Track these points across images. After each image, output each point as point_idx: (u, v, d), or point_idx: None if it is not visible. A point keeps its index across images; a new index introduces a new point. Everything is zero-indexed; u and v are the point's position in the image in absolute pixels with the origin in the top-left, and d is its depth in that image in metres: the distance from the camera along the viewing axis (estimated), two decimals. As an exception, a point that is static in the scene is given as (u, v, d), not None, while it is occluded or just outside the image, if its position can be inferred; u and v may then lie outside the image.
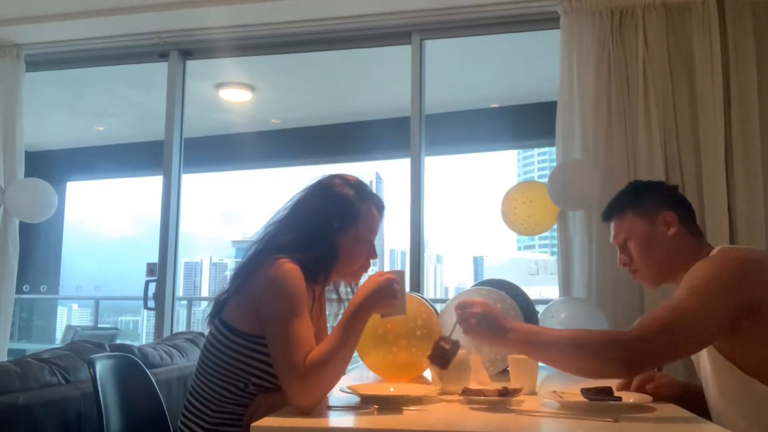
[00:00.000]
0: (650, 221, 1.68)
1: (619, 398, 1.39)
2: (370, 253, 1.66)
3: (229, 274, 1.64)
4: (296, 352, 1.37)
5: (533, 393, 1.58)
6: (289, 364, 1.36)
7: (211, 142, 5.81)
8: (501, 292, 2.05)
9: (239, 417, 1.51)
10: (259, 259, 1.53)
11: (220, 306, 1.57)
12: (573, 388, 1.48)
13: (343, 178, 1.68)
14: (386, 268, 1.65)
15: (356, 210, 1.63)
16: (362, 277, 1.68)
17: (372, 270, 1.66)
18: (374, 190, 1.72)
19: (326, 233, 1.58)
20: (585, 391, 1.41)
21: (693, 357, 1.67)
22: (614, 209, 1.77)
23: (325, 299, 1.75)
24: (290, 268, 1.47)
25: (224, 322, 1.53)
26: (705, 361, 1.56)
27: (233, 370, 1.50)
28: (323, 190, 1.66)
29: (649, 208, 1.69)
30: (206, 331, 1.62)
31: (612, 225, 1.77)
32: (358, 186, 1.67)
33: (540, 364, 1.62)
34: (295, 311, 1.43)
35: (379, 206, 1.70)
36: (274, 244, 1.57)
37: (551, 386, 1.61)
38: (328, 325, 1.78)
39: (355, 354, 1.75)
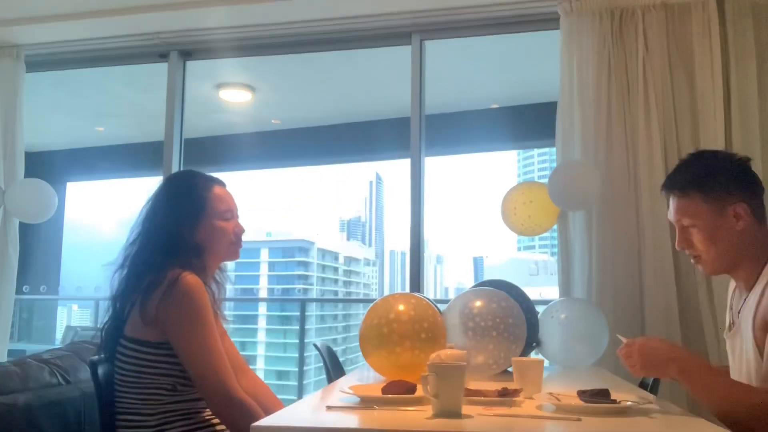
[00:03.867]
0: (719, 211, 1.53)
1: (615, 401, 1.39)
2: (236, 227, 1.74)
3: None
4: (221, 371, 1.49)
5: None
6: (215, 384, 1.48)
7: (211, 143, 5.80)
8: (501, 292, 2.06)
9: (179, 411, 1.56)
10: (138, 281, 1.59)
11: (113, 334, 1.62)
12: (570, 390, 1.48)
13: (173, 177, 1.81)
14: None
15: (199, 198, 1.69)
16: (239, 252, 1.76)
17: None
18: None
19: (182, 234, 1.65)
20: (581, 394, 1.41)
21: (731, 348, 1.64)
22: (678, 184, 1.59)
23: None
24: (192, 282, 1.54)
25: (131, 338, 1.57)
26: (750, 363, 1.52)
27: (155, 378, 1.55)
28: (163, 196, 1.73)
29: (719, 195, 1.54)
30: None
31: (672, 200, 1.61)
32: (191, 176, 1.75)
33: (545, 365, 1.61)
34: (206, 327, 1.52)
35: (221, 183, 1.77)
36: (138, 265, 1.63)
37: (548, 388, 1.61)
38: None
39: (357, 354, 1.76)
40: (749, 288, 1.57)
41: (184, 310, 1.52)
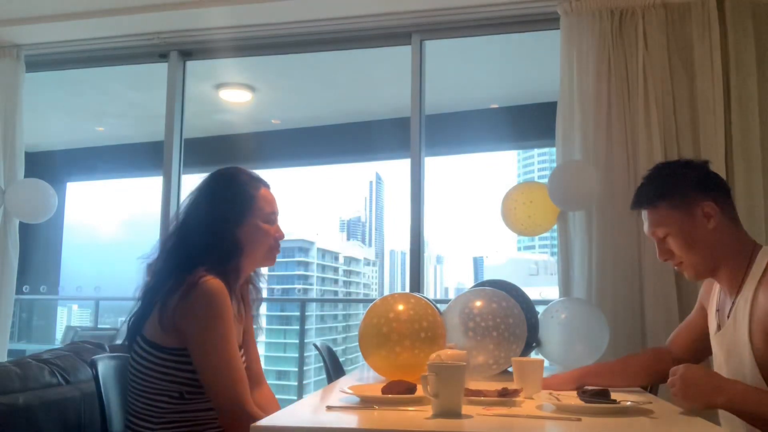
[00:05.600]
0: (689, 214, 1.55)
1: (615, 401, 1.39)
2: (276, 232, 1.69)
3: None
4: (236, 383, 1.44)
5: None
6: (229, 396, 1.43)
7: (211, 142, 5.81)
8: (501, 292, 2.06)
9: (184, 421, 1.52)
10: (169, 277, 1.53)
11: (136, 327, 1.57)
12: (570, 390, 1.48)
13: (220, 172, 1.69)
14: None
15: (247, 196, 1.64)
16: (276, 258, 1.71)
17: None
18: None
19: (224, 231, 1.59)
20: (581, 394, 1.41)
21: (720, 348, 1.63)
22: (645, 199, 1.63)
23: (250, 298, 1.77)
24: (214, 286, 1.48)
25: (146, 339, 1.54)
26: (745, 366, 1.51)
27: (163, 383, 1.51)
28: (208, 189, 1.66)
29: (684, 199, 1.56)
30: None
31: (645, 215, 1.64)
32: (239, 173, 1.68)
33: (545, 365, 1.61)
34: (224, 334, 1.46)
35: (267, 185, 1.71)
36: (175, 259, 1.57)
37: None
38: (254, 326, 1.78)
39: (357, 354, 1.76)
40: (734, 291, 1.59)
41: (202, 315, 1.46)
